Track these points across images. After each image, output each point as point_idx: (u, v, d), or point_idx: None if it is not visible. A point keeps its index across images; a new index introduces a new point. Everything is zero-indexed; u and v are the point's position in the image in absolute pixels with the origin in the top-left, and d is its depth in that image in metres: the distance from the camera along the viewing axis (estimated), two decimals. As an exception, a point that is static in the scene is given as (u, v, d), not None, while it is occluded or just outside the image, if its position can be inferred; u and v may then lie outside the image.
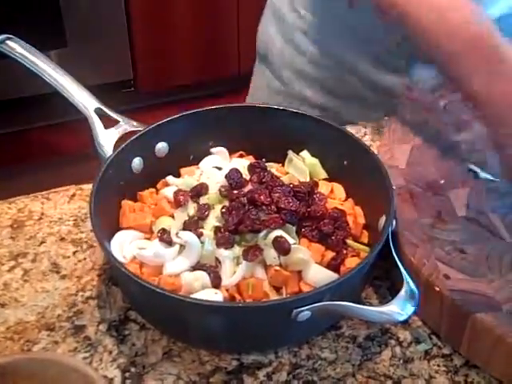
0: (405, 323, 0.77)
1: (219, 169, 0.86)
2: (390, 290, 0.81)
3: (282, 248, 0.74)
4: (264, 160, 0.87)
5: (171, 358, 0.74)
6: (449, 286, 0.73)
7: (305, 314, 0.67)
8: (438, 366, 0.73)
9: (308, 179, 0.86)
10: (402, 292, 0.69)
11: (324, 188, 0.85)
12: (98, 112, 0.87)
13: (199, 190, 0.81)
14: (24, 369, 0.64)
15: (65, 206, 0.92)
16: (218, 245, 0.76)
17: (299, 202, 0.79)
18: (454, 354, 0.74)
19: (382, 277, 0.82)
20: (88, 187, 0.91)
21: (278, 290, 0.75)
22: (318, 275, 0.74)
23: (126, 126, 0.87)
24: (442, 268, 0.75)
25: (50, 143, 2.37)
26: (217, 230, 0.77)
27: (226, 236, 0.76)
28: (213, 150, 0.89)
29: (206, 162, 0.88)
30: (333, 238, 0.78)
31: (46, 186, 0.95)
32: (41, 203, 0.92)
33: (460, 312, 0.71)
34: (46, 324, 0.77)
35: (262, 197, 0.78)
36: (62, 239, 0.87)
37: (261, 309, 0.69)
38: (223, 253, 0.75)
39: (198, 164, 0.89)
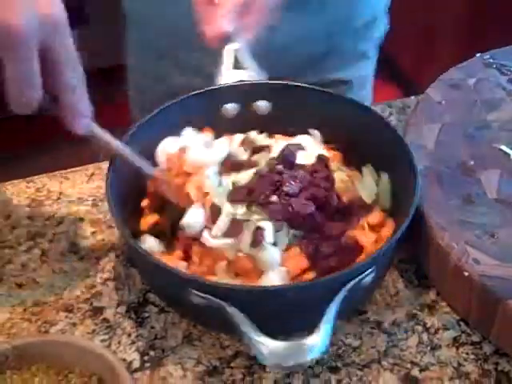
0: (432, 309, 0.75)
1: None
2: (416, 274, 0.78)
3: (255, 239, 0.69)
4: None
5: (191, 342, 0.72)
6: (479, 271, 0.70)
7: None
8: (467, 353, 0.71)
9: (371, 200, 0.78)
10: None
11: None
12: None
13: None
14: (40, 351, 0.63)
15: (84, 185, 0.90)
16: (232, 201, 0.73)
17: (318, 210, 0.72)
18: (483, 341, 0.72)
19: (408, 260, 0.79)
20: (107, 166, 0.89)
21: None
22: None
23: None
24: (471, 252, 0.72)
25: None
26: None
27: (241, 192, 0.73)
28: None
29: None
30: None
31: (66, 164, 0.93)
32: (59, 182, 0.90)
33: (490, 298, 0.69)
34: (63, 305, 0.76)
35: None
36: (81, 219, 0.85)
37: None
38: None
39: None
